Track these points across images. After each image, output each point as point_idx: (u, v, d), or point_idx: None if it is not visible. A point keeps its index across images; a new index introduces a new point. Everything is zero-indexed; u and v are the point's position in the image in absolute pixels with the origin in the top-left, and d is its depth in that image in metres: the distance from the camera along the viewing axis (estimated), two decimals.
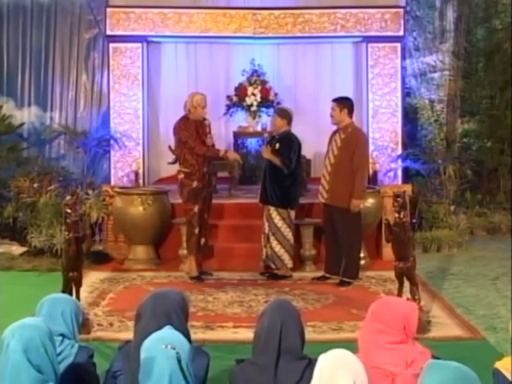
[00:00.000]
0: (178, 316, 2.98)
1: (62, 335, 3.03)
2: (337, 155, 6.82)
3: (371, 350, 2.76)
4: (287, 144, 6.97)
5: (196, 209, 6.90)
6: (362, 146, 6.90)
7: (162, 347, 2.40)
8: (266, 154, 7.02)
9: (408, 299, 5.50)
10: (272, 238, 6.96)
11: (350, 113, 6.88)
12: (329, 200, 6.87)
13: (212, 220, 7.41)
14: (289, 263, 7.05)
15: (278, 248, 6.98)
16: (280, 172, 6.91)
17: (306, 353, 2.89)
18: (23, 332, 2.46)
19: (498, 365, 2.71)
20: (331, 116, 6.94)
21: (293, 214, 7.06)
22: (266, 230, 7.02)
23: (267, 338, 2.82)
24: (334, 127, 6.97)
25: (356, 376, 2.18)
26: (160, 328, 2.65)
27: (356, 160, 6.73)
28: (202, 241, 7.06)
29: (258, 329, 2.90)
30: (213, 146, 7.06)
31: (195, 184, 6.88)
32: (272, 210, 6.97)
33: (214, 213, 7.45)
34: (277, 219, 6.95)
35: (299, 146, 7.07)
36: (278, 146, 6.97)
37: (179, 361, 2.39)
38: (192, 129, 6.89)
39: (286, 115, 7.10)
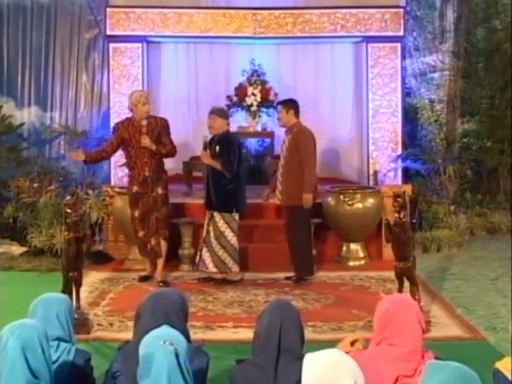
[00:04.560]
0: (178, 316, 2.98)
1: (59, 339, 3.00)
2: (286, 156, 6.92)
3: (379, 360, 2.74)
4: (226, 146, 6.75)
5: (136, 213, 6.79)
6: (307, 142, 6.89)
7: (161, 343, 2.41)
8: (205, 159, 6.79)
9: None
10: (215, 243, 6.80)
11: (297, 113, 7.00)
12: (283, 201, 6.96)
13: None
14: (233, 267, 6.87)
15: (221, 252, 6.82)
16: (222, 176, 6.73)
17: (306, 353, 2.89)
18: (22, 330, 2.47)
19: (499, 365, 2.71)
20: (279, 119, 7.07)
21: (237, 217, 6.86)
22: (204, 234, 6.90)
23: (267, 337, 2.82)
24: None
25: (355, 375, 2.17)
26: (158, 327, 2.65)
27: (303, 156, 6.79)
28: (150, 244, 6.84)
29: (258, 329, 2.90)
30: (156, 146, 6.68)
31: (135, 189, 6.77)
32: (216, 214, 6.81)
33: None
34: (220, 223, 6.79)
35: (240, 146, 6.91)
36: (217, 148, 6.75)
37: (177, 357, 2.40)
38: (131, 129, 6.70)
39: (224, 114, 6.94)
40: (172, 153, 6.89)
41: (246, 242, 7.60)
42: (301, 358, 2.71)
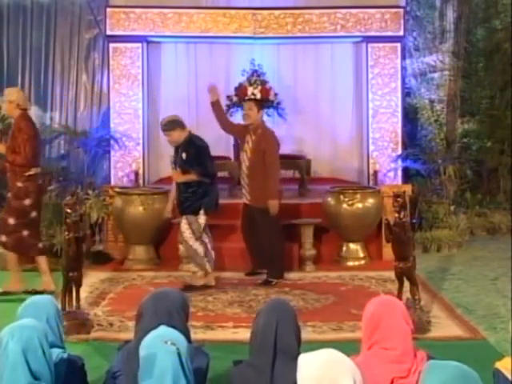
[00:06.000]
0: (179, 315, 2.99)
1: (51, 345, 2.82)
2: (250, 157, 6.88)
3: (373, 364, 2.74)
4: (194, 152, 6.51)
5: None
6: (271, 146, 6.86)
7: (163, 344, 2.40)
8: (179, 178, 6.63)
9: (408, 299, 5.52)
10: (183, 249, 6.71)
11: (261, 114, 7.01)
12: (251, 201, 6.91)
13: (212, 220, 7.38)
14: (199, 273, 6.68)
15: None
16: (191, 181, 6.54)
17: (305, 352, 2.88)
18: (22, 332, 2.46)
19: (499, 365, 2.71)
20: (248, 115, 6.95)
21: (201, 220, 6.61)
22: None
23: (263, 338, 2.81)
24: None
25: (354, 374, 2.16)
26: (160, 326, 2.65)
27: (267, 161, 6.75)
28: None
29: (254, 329, 2.89)
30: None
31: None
32: (183, 216, 6.65)
33: (213, 213, 7.40)
34: (182, 223, 6.63)
35: (206, 146, 6.66)
36: (184, 156, 6.54)
37: (179, 357, 2.39)
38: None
39: (174, 125, 6.59)
40: (19, 163, 6.31)
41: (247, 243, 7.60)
42: (297, 358, 2.71)
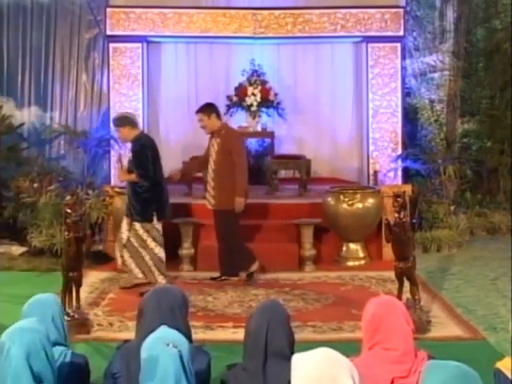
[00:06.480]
0: (181, 311, 2.99)
1: (55, 343, 2.87)
2: (216, 160, 6.80)
3: (374, 364, 2.74)
4: (138, 152, 6.37)
5: None
6: (237, 145, 6.83)
7: (164, 346, 2.38)
8: (121, 176, 6.55)
9: (408, 299, 5.52)
10: (141, 250, 6.48)
11: (218, 116, 6.89)
12: (215, 205, 6.83)
13: (212, 220, 7.38)
14: (159, 278, 6.46)
15: (147, 258, 6.49)
16: (136, 184, 6.38)
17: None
18: (23, 336, 2.42)
19: (500, 365, 2.71)
20: (203, 126, 6.92)
21: (158, 226, 6.50)
22: (125, 240, 6.51)
23: (254, 341, 2.79)
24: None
25: (352, 372, 2.16)
26: (163, 323, 2.63)
27: (235, 159, 6.70)
28: None
29: (246, 332, 2.88)
30: None
31: None
32: (135, 223, 6.47)
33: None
34: (141, 232, 6.44)
35: (153, 148, 6.48)
36: (130, 155, 6.47)
37: (181, 359, 2.38)
38: None
39: (125, 122, 6.48)
40: None
41: (247, 242, 7.59)
42: (290, 360, 2.70)
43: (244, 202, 6.78)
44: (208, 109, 6.87)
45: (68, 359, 2.89)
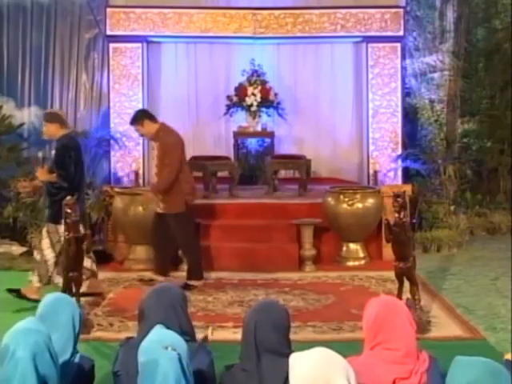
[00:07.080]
0: (182, 308, 2.99)
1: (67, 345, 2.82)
2: (158, 164, 6.72)
3: (375, 365, 2.74)
4: (60, 152, 6.13)
5: None
6: (170, 145, 6.62)
7: (163, 350, 2.36)
8: (41, 175, 6.22)
9: (408, 299, 5.52)
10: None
11: (152, 119, 6.72)
12: (165, 209, 6.72)
13: (212, 220, 7.41)
14: (37, 284, 6.13)
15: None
16: (51, 184, 6.12)
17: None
18: (28, 338, 2.39)
19: (509, 356, 2.80)
20: (142, 134, 6.90)
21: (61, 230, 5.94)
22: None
23: (246, 341, 2.81)
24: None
25: (347, 372, 2.16)
26: (166, 321, 2.62)
27: (167, 159, 6.56)
28: None
29: (241, 333, 2.90)
30: None
31: None
32: (45, 225, 6.27)
33: (213, 213, 7.40)
34: (43, 232, 6.23)
35: (76, 149, 6.22)
36: (53, 155, 6.25)
37: (180, 362, 2.37)
38: None
39: (54, 119, 6.27)
40: None
41: (247, 242, 7.60)
42: (284, 355, 2.68)
43: (152, 196, 6.71)
44: (138, 117, 6.73)
45: (76, 360, 2.85)
